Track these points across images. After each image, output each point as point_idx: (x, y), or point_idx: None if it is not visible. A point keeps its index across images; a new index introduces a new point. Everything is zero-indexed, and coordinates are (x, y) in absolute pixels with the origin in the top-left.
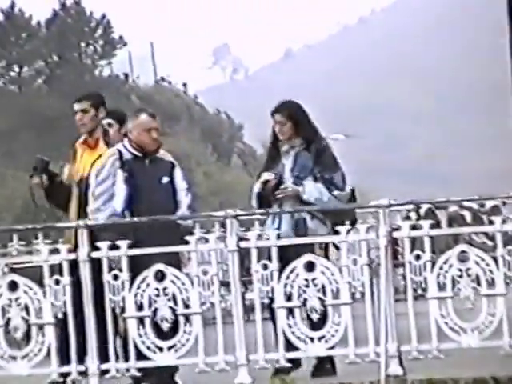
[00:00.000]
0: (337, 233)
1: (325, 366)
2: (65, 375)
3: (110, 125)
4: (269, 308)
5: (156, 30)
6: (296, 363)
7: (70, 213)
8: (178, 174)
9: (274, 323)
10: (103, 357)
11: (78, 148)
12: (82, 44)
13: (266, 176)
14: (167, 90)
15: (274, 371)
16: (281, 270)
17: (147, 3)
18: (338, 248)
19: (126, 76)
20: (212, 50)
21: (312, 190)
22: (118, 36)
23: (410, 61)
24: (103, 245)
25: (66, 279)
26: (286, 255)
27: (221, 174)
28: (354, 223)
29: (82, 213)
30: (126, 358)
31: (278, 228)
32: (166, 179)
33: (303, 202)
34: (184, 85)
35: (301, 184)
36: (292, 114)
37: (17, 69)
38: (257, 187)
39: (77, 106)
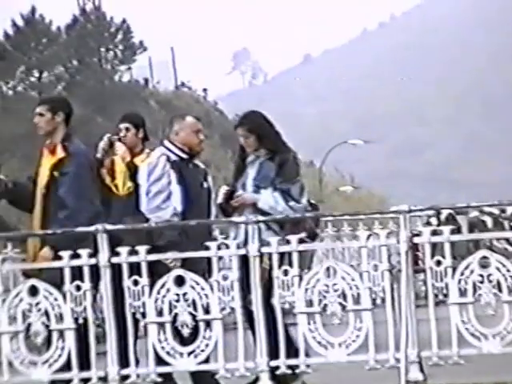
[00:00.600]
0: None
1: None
2: (85, 381)
3: (127, 129)
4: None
5: (176, 35)
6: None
7: (33, 218)
8: (210, 181)
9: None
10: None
11: (44, 151)
12: (102, 49)
13: (222, 189)
14: (187, 95)
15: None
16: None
17: (168, 8)
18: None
19: (146, 81)
20: (232, 54)
21: (268, 198)
22: (139, 41)
23: (429, 65)
24: (123, 250)
25: (86, 285)
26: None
27: None
28: (313, 237)
29: (45, 218)
30: None
31: (235, 238)
32: (205, 184)
33: (262, 212)
34: (204, 90)
35: (259, 193)
36: (254, 127)
37: (37, 74)
38: (218, 199)
39: (36, 109)
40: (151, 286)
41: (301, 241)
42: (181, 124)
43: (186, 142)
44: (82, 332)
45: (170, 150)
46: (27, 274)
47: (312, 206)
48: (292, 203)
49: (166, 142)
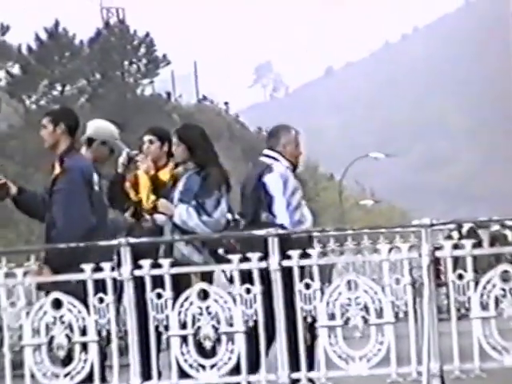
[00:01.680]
0: (221, 260)
1: None
2: None
3: (150, 141)
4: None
5: (199, 49)
6: None
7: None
8: None
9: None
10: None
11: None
12: (125, 63)
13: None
14: (209, 108)
15: None
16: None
17: (191, 22)
18: (230, 280)
19: (169, 95)
20: (254, 67)
21: (182, 212)
22: (162, 55)
23: (451, 78)
24: (146, 263)
25: (109, 297)
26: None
27: None
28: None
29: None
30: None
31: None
32: None
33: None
34: (225, 104)
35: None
36: (185, 138)
37: (59, 87)
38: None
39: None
40: (174, 299)
41: (304, 255)
42: (288, 137)
43: (293, 155)
44: (105, 344)
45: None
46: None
47: (235, 221)
48: (205, 217)
49: (276, 154)
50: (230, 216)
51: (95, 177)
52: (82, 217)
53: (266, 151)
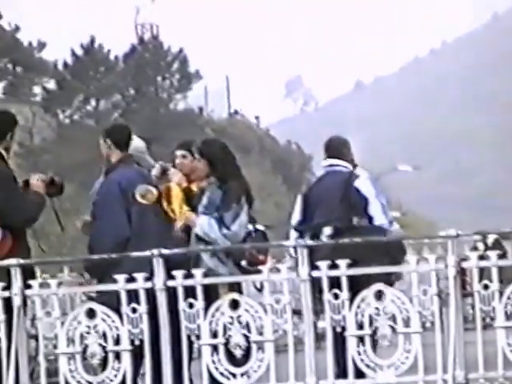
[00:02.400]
0: (245, 271)
1: None
2: None
3: (183, 156)
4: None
5: (231, 65)
6: None
7: None
8: None
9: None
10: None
11: None
12: (159, 78)
13: None
14: (240, 122)
15: None
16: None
17: (223, 38)
18: (259, 289)
19: (201, 109)
20: (285, 82)
21: (203, 223)
22: (195, 70)
23: (479, 92)
24: (178, 274)
25: (142, 307)
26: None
27: (290, 203)
28: (255, 265)
29: None
30: None
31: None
32: None
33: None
34: (256, 118)
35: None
36: (206, 153)
37: (94, 103)
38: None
39: None
40: (206, 308)
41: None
42: (350, 148)
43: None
44: (137, 353)
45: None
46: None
47: (256, 232)
48: (225, 231)
49: (346, 163)
50: (251, 227)
51: (132, 192)
52: (113, 228)
53: (335, 161)
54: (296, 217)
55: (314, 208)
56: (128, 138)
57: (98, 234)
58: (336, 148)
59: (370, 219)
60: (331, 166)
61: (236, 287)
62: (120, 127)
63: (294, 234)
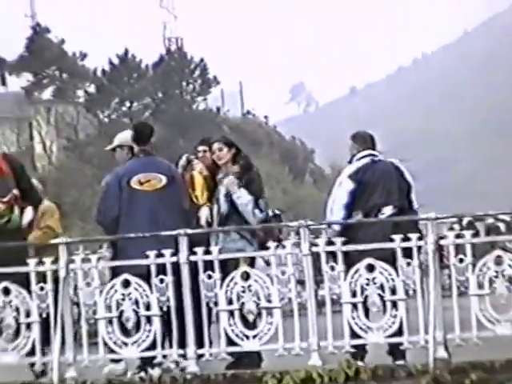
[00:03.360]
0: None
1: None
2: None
3: (205, 151)
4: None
5: (244, 72)
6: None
7: None
8: None
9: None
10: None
11: None
12: (183, 83)
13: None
14: (252, 121)
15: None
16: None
17: (238, 50)
18: (267, 263)
19: (218, 109)
20: (290, 88)
21: (244, 195)
22: (213, 76)
23: (455, 97)
24: (199, 250)
25: (169, 278)
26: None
27: (296, 190)
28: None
29: None
30: None
31: (216, 244)
32: None
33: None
34: (265, 117)
35: (229, 207)
36: (229, 142)
37: (128, 104)
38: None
39: None
40: (222, 279)
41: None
42: None
43: None
44: (165, 318)
45: None
46: None
47: (275, 216)
48: (258, 213)
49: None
50: (270, 212)
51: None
52: (105, 210)
53: (372, 151)
54: (344, 198)
55: (372, 191)
56: (139, 136)
57: (97, 215)
58: (371, 141)
59: (410, 202)
60: (373, 155)
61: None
62: (134, 126)
63: (341, 213)
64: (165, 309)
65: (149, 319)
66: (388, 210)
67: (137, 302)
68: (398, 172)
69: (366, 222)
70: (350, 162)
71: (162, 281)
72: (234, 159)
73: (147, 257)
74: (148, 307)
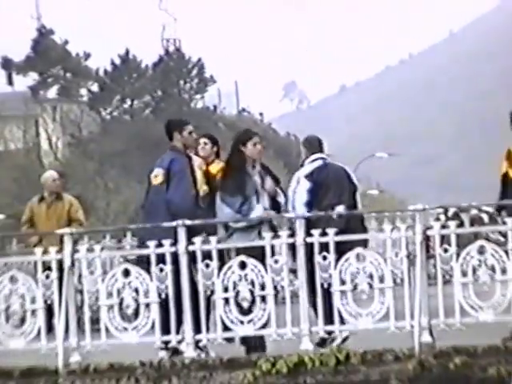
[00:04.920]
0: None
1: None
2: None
3: (205, 143)
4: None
5: (239, 71)
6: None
7: None
8: None
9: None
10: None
11: None
12: (181, 82)
13: None
14: (247, 118)
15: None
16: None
17: (233, 50)
18: None
19: (215, 107)
20: (283, 85)
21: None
22: (210, 75)
23: (441, 95)
24: (197, 240)
25: (168, 267)
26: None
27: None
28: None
29: None
30: None
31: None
32: None
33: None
34: (260, 114)
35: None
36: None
37: (129, 102)
38: None
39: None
40: (219, 268)
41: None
42: None
43: None
44: (164, 305)
45: None
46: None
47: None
48: (224, 206)
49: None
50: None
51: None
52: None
53: (321, 155)
54: (304, 196)
55: (326, 190)
56: (170, 129)
57: None
58: (320, 145)
59: (355, 203)
60: (323, 158)
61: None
62: (172, 121)
63: (302, 209)
64: (163, 296)
65: (148, 306)
66: (340, 209)
67: (137, 290)
68: (346, 174)
69: (355, 215)
70: (302, 165)
71: (161, 270)
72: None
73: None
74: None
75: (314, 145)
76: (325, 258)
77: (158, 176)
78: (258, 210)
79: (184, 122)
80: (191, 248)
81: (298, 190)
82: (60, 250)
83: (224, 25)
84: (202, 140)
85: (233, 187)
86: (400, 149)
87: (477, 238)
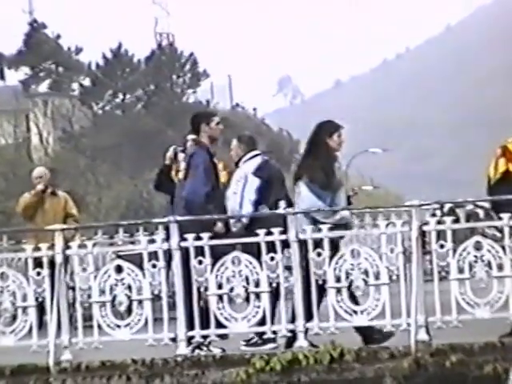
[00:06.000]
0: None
1: (373, 336)
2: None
3: (193, 140)
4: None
5: (233, 65)
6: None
7: None
8: None
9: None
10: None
11: None
12: (174, 76)
13: None
14: (241, 113)
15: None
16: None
17: (226, 44)
18: None
19: (208, 102)
20: (277, 80)
21: None
22: (203, 70)
23: (438, 89)
24: (190, 236)
25: (161, 263)
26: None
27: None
28: None
29: None
30: None
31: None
32: None
33: None
34: (254, 109)
35: None
36: None
37: (121, 96)
38: None
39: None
40: (213, 265)
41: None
42: None
43: None
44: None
45: None
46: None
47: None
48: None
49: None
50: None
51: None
52: None
53: (257, 151)
54: (253, 195)
55: (272, 186)
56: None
57: None
58: (254, 143)
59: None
60: (260, 155)
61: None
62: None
63: (249, 207)
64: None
65: (141, 303)
66: (283, 204)
67: (129, 287)
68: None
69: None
70: (237, 164)
71: (154, 266)
72: None
73: None
74: (140, 291)
75: (251, 141)
76: (319, 254)
77: (181, 171)
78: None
79: (211, 114)
80: (183, 244)
81: (248, 187)
82: (53, 246)
83: (218, 19)
84: (190, 137)
85: (325, 181)
86: (396, 144)
87: (473, 234)
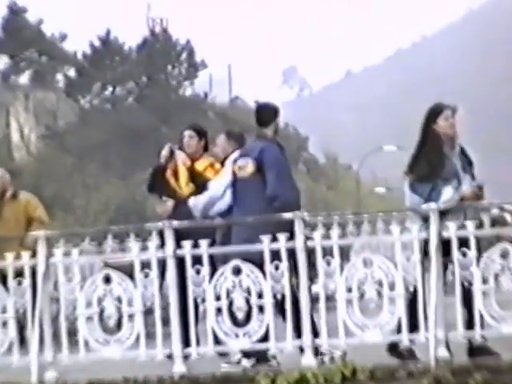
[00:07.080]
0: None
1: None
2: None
3: (190, 136)
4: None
5: (233, 55)
6: None
7: None
8: None
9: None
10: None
11: None
12: (168, 67)
13: None
14: (241, 107)
15: None
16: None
17: (226, 31)
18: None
19: (206, 95)
20: (282, 71)
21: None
22: (200, 60)
23: (455, 81)
24: (186, 243)
25: (154, 273)
26: None
27: None
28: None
29: None
30: None
31: None
32: None
33: None
34: (255, 102)
35: None
36: None
37: (111, 89)
38: None
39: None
40: (211, 274)
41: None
42: None
43: None
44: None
45: None
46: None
47: None
48: None
49: None
50: None
51: None
52: None
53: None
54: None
55: None
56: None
57: None
58: (244, 139)
59: None
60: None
61: None
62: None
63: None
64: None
65: (132, 317)
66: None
67: (119, 299)
68: None
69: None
70: (222, 163)
71: (146, 275)
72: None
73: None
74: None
75: (242, 138)
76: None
77: (245, 167)
78: (447, 193)
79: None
80: (179, 252)
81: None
82: (19, 255)
83: (216, 3)
84: (187, 133)
85: (425, 171)
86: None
87: (499, 241)
